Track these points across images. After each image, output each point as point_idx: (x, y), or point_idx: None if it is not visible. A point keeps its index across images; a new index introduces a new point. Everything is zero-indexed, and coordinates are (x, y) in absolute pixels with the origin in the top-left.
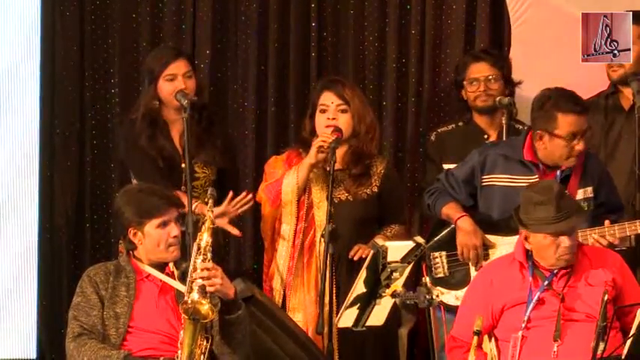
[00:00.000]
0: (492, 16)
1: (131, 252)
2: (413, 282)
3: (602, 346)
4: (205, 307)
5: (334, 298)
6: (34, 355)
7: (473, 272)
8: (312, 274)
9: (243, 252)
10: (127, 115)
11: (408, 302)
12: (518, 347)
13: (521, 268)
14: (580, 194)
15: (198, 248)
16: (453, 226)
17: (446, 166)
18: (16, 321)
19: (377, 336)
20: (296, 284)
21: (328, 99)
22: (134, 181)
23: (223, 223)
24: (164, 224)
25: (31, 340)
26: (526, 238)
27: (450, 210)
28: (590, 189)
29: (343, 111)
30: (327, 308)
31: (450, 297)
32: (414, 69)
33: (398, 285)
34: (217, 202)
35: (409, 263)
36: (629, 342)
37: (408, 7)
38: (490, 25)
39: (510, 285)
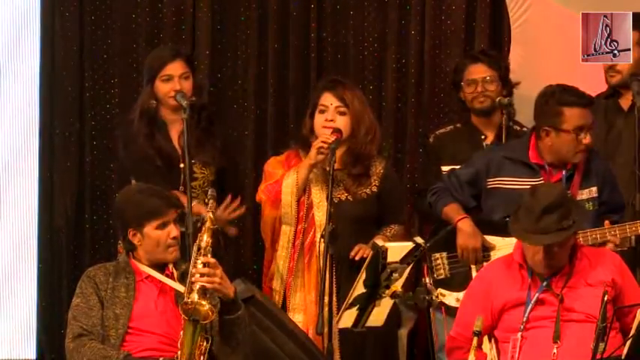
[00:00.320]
0: (492, 16)
1: (131, 253)
2: (413, 283)
3: (602, 346)
4: (205, 307)
5: (334, 298)
6: (33, 356)
7: (474, 274)
8: (312, 274)
9: (244, 253)
10: (127, 115)
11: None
12: (517, 348)
13: (520, 268)
14: (585, 194)
15: (199, 249)
16: (451, 226)
17: (445, 168)
18: (16, 321)
19: (377, 337)
20: (296, 285)
21: (328, 100)
22: (133, 182)
23: (220, 223)
24: (164, 225)
25: (31, 341)
26: None
27: (451, 211)
28: (594, 188)
29: (342, 113)
30: (327, 308)
31: (451, 299)
32: (413, 69)
33: (397, 286)
34: (217, 203)
35: (409, 264)
36: (628, 342)
37: (408, 7)
38: (490, 25)
39: (509, 286)
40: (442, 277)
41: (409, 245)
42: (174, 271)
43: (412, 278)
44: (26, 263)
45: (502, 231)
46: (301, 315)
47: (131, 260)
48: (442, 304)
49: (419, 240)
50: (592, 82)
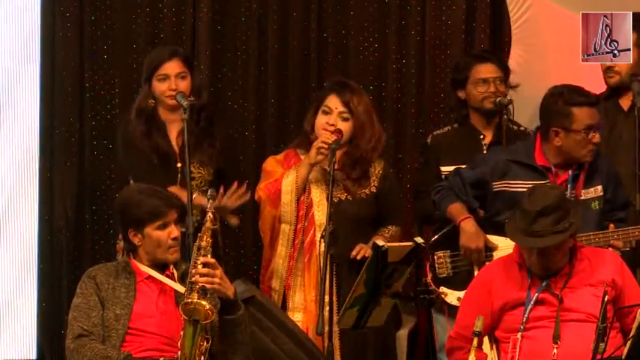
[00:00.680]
0: (492, 16)
1: (131, 253)
2: (414, 282)
3: (602, 346)
4: (205, 308)
5: (334, 298)
6: (34, 356)
7: (476, 273)
8: (312, 274)
9: (244, 253)
10: (126, 115)
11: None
12: (517, 348)
13: (520, 269)
14: (590, 193)
15: (199, 249)
16: (453, 224)
17: (444, 168)
18: (16, 322)
19: (376, 336)
20: (296, 284)
21: (333, 103)
22: (132, 182)
23: (223, 212)
24: (164, 226)
25: (31, 342)
26: None
27: (455, 211)
28: (599, 187)
29: (345, 119)
30: (327, 308)
31: (453, 297)
32: (413, 69)
33: (398, 286)
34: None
35: (409, 264)
36: (629, 343)
37: (408, 7)
38: (490, 25)
39: (510, 285)
40: (444, 275)
41: (409, 245)
42: (175, 271)
43: (413, 278)
44: (26, 263)
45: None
46: (301, 314)
47: (131, 260)
48: (444, 303)
49: (419, 240)
50: (592, 82)
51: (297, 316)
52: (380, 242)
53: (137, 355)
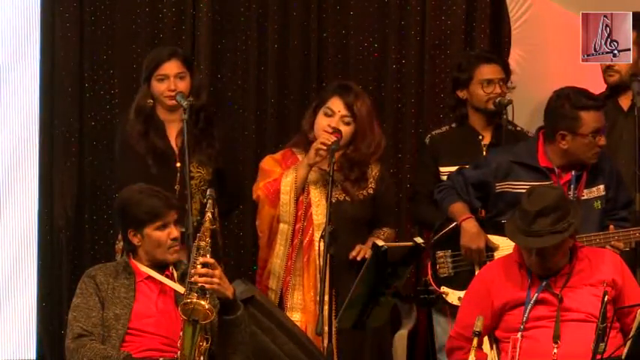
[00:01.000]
0: (492, 16)
1: (131, 253)
2: (414, 282)
3: (602, 346)
4: (204, 308)
5: (333, 298)
6: (33, 356)
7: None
8: (311, 273)
9: (244, 253)
10: (125, 114)
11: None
12: (517, 348)
13: (520, 268)
14: (593, 192)
15: (198, 249)
16: (455, 223)
17: (442, 169)
18: (16, 321)
19: (375, 337)
20: (295, 284)
21: (336, 106)
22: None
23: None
24: (164, 226)
25: (31, 341)
26: None
27: (456, 210)
28: (602, 186)
29: (347, 123)
30: (326, 307)
31: (454, 297)
32: (413, 69)
33: (398, 286)
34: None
35: (409, 264)
36: (628, 343)
37: (408, 7)
38: (490, 25)
39: (510, 285)
40: (445, 275)
41: (409, 245)
42: (175, 271)
43: (413, 278)
44: (26, 263)
45: None
46: (299, 314)
47: (131, 261)
48: (445, 303)
49: (419, 240)
50: (592, 82)
51: (295, 316)
52: (380, 242)
53: (137, 355)
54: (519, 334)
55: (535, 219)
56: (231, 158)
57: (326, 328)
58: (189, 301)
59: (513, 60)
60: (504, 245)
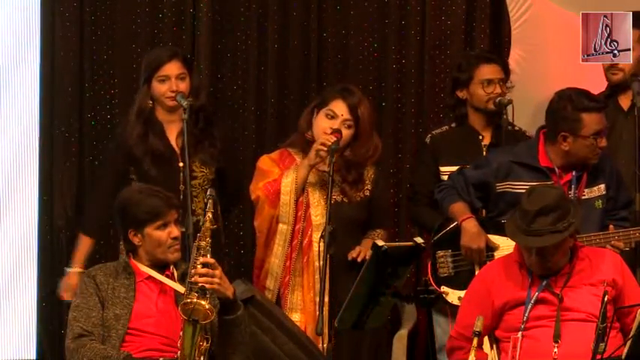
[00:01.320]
0: (492, 16)
1: (131, 253)
2: (414, 282)
3: (602, 346)
4: (204, 308)
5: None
6: (33, 357)
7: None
8: (310, 273)
9: (244, 253)
10: (125, 118)
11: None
12: (518, 348)
13: (520, 268)
14: (594, 192)
15: (198, 249)
16: (455, 223)
17: (443, 169)
18: (16, 321)
19: (374, 337)
20: (294, 284)
21: (339, 109)
22: (134, 182)
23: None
24: (164, 226)
25: (31, 341)
26: None
27: (457, 210)
28: (602, 186)
29: (349, 127)
30: (326, 308)
31: (454, 297)
32: (413, 69)
33: (398, 286)
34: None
35: (409, 264)
36: (629, 343)
37: (408, 7)
38: (490, 25)
39: (510, 285)
40: (445, 274)
41: (409, 245)
42: (175, 271)
43: (413, 278)
44: (26, 263)
45: None
46: (298, 314)
47: (131, 261)
48: (445, 302)
49: (419, 240)
50: (592, 82)
51: (295, 316)
52: (380, 242)
53: (137, 355)
54: (519, 333)
55: (535, 218)
56: (231, 158)
57: (326, 330)
58: (189, 301)
59: (513, 60)
60: (505, 245)
